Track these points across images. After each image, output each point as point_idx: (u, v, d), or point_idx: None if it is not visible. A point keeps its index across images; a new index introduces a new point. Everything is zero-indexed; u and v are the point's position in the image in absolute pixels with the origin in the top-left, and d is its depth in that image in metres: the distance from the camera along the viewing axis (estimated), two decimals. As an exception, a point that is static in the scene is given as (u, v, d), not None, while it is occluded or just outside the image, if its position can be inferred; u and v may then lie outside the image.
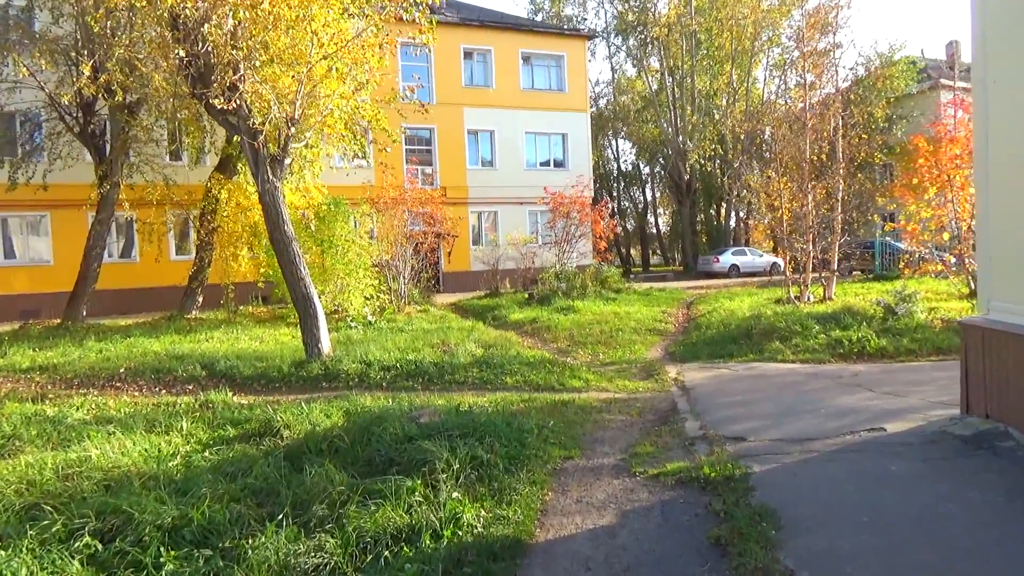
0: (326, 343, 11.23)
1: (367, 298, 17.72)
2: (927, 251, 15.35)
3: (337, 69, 10.26)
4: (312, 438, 6.24)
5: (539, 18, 41.76)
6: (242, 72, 10.40)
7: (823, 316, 12.49)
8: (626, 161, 52.41)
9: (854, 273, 26.27)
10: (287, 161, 11.31)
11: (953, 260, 14.35)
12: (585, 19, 42.76)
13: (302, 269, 11.22)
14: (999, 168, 5.67)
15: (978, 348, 5.90)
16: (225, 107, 10.11)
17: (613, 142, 49.42)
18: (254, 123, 10.47)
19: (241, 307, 20.57)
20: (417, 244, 20.56)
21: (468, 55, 30.54)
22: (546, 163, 32.23)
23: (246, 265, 19.17)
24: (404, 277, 19.86)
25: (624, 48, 44.10)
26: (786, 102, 33.54)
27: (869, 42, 53.88)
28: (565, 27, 36.52)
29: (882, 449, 5.55)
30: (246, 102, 10.74)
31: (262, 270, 19.28)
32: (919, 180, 14.83)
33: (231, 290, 19.35)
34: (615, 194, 50.76)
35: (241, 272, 19.34)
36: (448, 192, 29.39)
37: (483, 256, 27.10)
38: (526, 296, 21.24)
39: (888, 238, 26.59)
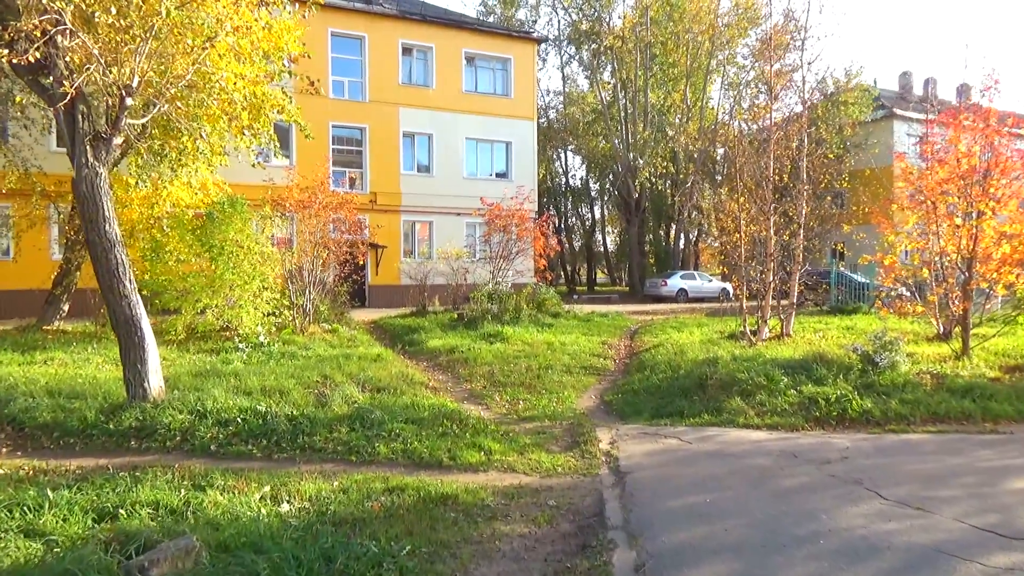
0: (155, 381, 8.46)
1: (267, 315, 15.11)
2: (907, 288, 13.38)
3: (169, 12, 7.60)
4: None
5: (490, 21, 39.52)
6: (60, 16, 7.64)
7: (790, 364, 10.29)
8: (575, 176, 50.43)
9: (806, 303, 24.56)
10: (117, 141, 8.57)
11: (936, 299, 12.36)
12: (535, 21, 40.62)
13: (127, 283, 8.45)
14: None
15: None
16: (19, 61, 7.40)
17: (562, 155, 47.36)
18: (67, 86, 7.77)
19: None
20: (330, 253, 17.84)
21: (407, 51, 28.10)
22: (488, 173, 29.89)
23: (126, 268, 16.19)
24: (310, 291, 17.10)
25: (577, 58, 42.20)
26: (744, 122, 32.15)
27: (826, 66, 52.98)
28: (513, 30, 34.20)
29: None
30: (63, 60, 8.04)
31: (147, 276, 16.35)
32: (898, 206, 12.90)
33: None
34: (563, 209, 48.67)
35: (118, 277, 16.36)
36: (379, 198, 26.86)
37: (411, 270, 24.50)
38: (455, 316, 18.90)
39: (844, 269, 25.08)
